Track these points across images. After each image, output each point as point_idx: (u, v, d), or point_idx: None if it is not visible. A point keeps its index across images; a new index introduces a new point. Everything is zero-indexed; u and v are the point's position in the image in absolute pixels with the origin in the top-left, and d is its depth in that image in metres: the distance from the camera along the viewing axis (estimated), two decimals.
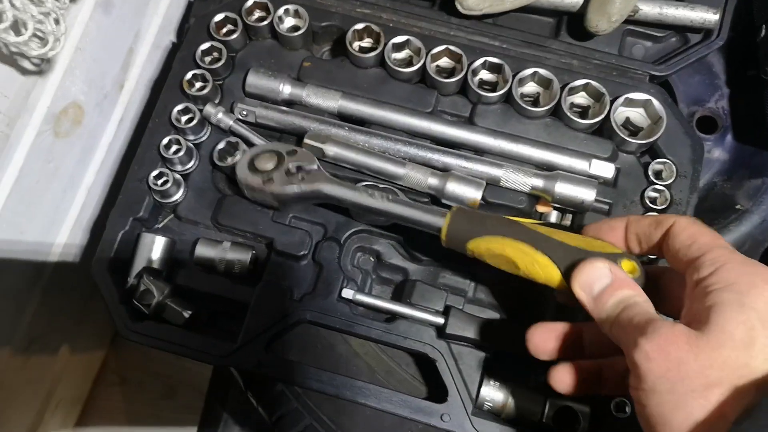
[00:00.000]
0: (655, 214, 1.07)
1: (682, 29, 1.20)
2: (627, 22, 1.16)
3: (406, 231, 1.06)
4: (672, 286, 0.85)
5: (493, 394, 1.01)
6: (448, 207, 1.04)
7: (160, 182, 1.07)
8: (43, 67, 1.07)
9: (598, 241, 0.88)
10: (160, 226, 1.12)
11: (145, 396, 1.98)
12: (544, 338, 0.89)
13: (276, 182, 1.03)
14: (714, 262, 0.72)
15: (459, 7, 1.13)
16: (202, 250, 1.07)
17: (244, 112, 1.12)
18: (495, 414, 1.02)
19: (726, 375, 0.66)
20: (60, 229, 1.29)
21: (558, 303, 0.99)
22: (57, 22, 0.95)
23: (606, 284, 0.80)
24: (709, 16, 1.15)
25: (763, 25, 1.20)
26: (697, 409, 0.66)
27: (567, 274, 0.85)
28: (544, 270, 0.88)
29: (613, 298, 0.79)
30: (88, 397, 1.87)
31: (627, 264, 0.85)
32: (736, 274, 0.71)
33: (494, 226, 0.91)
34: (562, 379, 0.87)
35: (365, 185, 1.07)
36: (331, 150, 1.07)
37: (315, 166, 1.03)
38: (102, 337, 1.86)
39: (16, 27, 0.91)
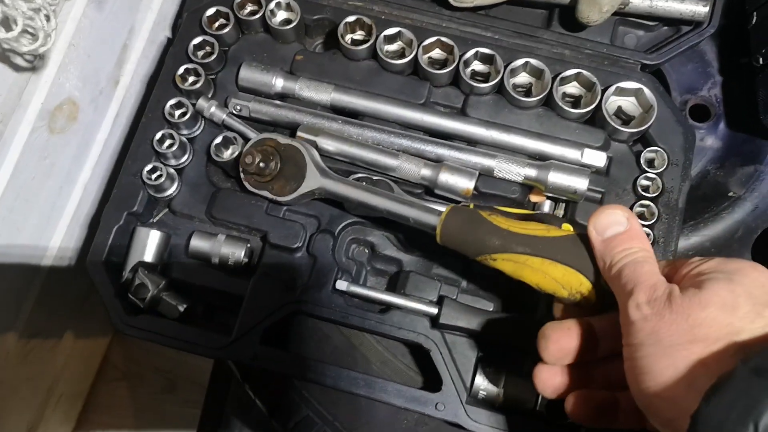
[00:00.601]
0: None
1: (672, 21, 1.20)
2: (618, 13, 1.17)
3: (399, 223, 1.07)
4: None
5: (487, 382, 1.02)
6: (442, 198, 1.05)
7: (153, 177, 1.07)
8: (36, 63, 1.07)
9: None
10: (155, 220, 1.12)
11: (146, 390, 1.99)
12: (551, 374, 0.89)
13: (280, 189, 1.05)
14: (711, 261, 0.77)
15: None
16: (197, 244, 1.08)
17: (238, 107, 1.12)
18: (489, 402, 1.03)
19: (711, 332, 0.69)
20: (57, 226, 1.30)
21: None
22: (48, 18, 0.96)
23: (619, 231, 0.82)
24: (698, 9, 1.15)
25: (754, 13, 1.20)
26: (680, 360, 0.69)
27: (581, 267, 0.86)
28: (552, 276, 0.88)
29: (622, 245, 0.81)
30: (89, 392, 1.88)
31: None
32: (728, 264, 0.75)
33: (487, 241, 0.90)
34: (576, 406, 0.87)
35: (358, 177, 1.08)
36: (324, 143, 1.08)
37: (310, 162, 1.04)
38: (103, 332, 1.87)
39: (7, 23, 0.91)
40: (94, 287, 1.21)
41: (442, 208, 0.96)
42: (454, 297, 1.06)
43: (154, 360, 1.98)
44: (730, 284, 0.72)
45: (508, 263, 0.90)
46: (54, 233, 1.29)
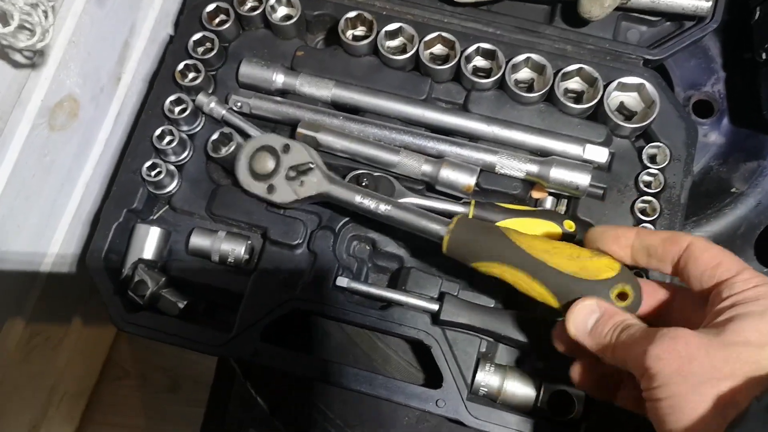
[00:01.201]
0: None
1: (675, 16, 1.19)
2: (620, 9, 1.16)
3: None
4: (683, 306, 0.86)
5: (488, 379, 1.01)
6: (444, 194, 1.05)
7: (153, 173, 1.07)
8: (35, 60, 1.07)
9: (595, 261, 0.88)
10: (155, 217, 1.12)
11: (149, 390, 1.99)
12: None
13: (278, 191, 1.05)
14: (747, 282, 0.74)
15: None
16: (197, 241, 1.08)
17: (239, 104, 1.12)
18: (490, 399, 1.02)
19: (738, 368, 0.68)
20: (59, 223, 1.30)
21: None
22: (46, 14, 0.96)
23: (597, 317, 0.83)
24: (701, 3, 1.14)
25: (758, 7, 1.20)
26: (709, 395, 0.68)
27: (560, 297, 0.89)
28: (541, 296, 0.91)
29: (607, 326, 0.81)
30: (92, 391, 1.88)
31: (620, 289, 0.86)
32: (760, 302, 0.72)
33: (493, 250, 0.93)
34: (581, 371, 0.90)
35: (359, 173, 1.08)
36: (324, 139, 1.08)
37: (309, 161, 1.04)
38: (106, 330, 1.87)
39: (4, 18, 0.91)
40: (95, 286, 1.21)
41: (449, 206, 0.96)
42: (455, 294, 1.06)
43: (157, 359, 1.99)
44: (761, 322, 0.70)
45: (507, 273, 0.93)
46: (56, 231, 1.30)
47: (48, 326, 1.43)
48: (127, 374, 1.98)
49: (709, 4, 1.15)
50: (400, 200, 1.04)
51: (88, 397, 1.87)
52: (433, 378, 1.04)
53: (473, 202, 1.04)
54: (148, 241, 1.07)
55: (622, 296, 0.86)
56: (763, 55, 1.17)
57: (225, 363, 1.48)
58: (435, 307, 1.02)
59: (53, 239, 1.30)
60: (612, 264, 0.87)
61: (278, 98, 1.13)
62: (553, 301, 0.90)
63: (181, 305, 1.05)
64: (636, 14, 1.21)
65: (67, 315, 1.52)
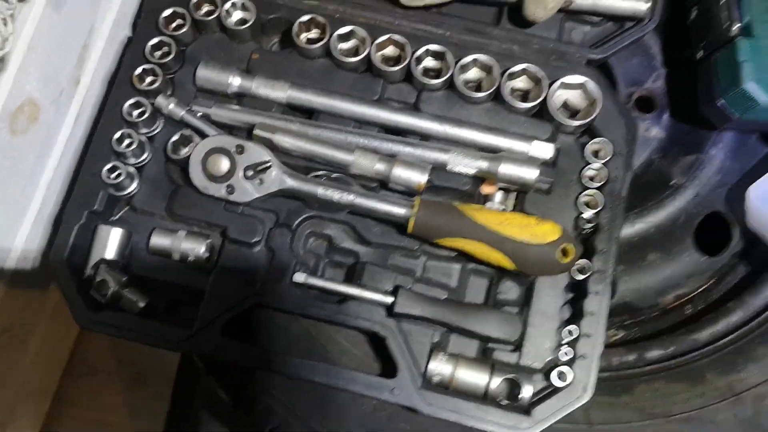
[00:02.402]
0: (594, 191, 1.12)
1: (616, 17, 1.24)
2: (564, 10, 1.21)
3: (357, 216, 1.11)
4: None
5: (441, 367, 1.06)
6: (397, 192, 1.10)
7: (113, 176, 1.10)
8: None
9: (541, 226, 1.04)
10: (116, 218, 1.14)
11: (114, 385, 2.00)
12: None
13: (238, 191, 1.09)
14: None
15: None
16: (158, 240, 1.11)
17: (199, 114, 1.15)
18: (443, 387, 1.07)
19: None
20: (21, 225, 1.30)
21: (497, 279, 1.11)
22: (5, 22, 0.98)
23: None
24: (639, 6, 1.20)
25: (693, 9, 1.25)
26: None
27: (516, 260, 1.04)
28: (499, 262, 1.05)
29: None
30: (58, 388, 1.89)
31: (563, 247, 1.03)
32: None
33: (455, 227, 1.05)
34: None
35: (317, 175, 1.12)
36: (280, 140, 1.11)
37: (267, 160, 1.08)
38: (70, 327, 1.88)
39: None
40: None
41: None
42: (409, 287, 1.10)
43: (122, 354, 2.00)
44: None
45: (468, 245, 1.06)
46: (18, 233, 1.30)
47: (13, 325, 1.44)
48: (93, 370, 1.99)
49: (647, 6, 1.19)
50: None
51: (54, 394, 1.88)
52: (388, 368, 1.08)
53: (417, 200, 1.09)
54: (110, 242, 1.10)
55: (564, 253, 1.03)
56: (699, 53, 1.22)
57: (188, 358, 1.50)
58: (389, 300, 1.07)
59: (16, 239, 1.31)
60: (554, 227, 1.05)
61: (236, 106, 1.16)
62: (510, 265, 1.06)
63: (141, 304, 1.08)
64: (579, 15, 1.25)
65: (32, 313, 1.52)
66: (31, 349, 1.58)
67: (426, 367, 1.06)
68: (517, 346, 1.08)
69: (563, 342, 1.08)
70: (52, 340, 1.71)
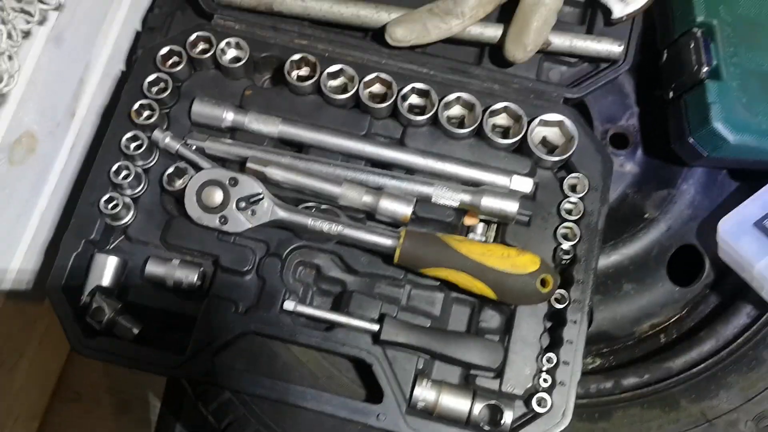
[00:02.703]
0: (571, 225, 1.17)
1: (591, 59, 1.29)
2: (542, 51, 1.26)
3: (345, 246, 1.15)
4: None
5: (425, 393, 1.09)
6: (383, 223, 1.14)
7: (110, 206, 1.13)
8: None
9: (521, 257, 1.08)
10: (112, 247, 1.18)
11: (100, 411, 2.00)
12: None
13: (231, 222, 1.12)
14: None
15: (388, 39, 1.22)
16: (153, 269, 1.14)
17: (194, 147, 1.18)
18: (428, 412, 1.10)
19: None
20: (14, 253, 1.33)
21: (479, 308, 1.16)
22: (10, 58, 1.02)
23: None
24: (614, 48, 1.25)
25: (665, 51, 1.31)
26: None
27: (497, 290, 1.09)
28: (481, 291, 1.09)
29: None
30: (44, 412, 1.89)
31: (543, 277, 1.07)
32: None
33: (439, 257, 1.10)
34: None
35: (307, 206, 1.16)
36: (272, 173, 1.15)
37: (260, 192, 1.12)
38: (58, 354, 1.89)
39: None
40: (50, 310, 1.25)
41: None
42: (394, 315, 1.14)
43: (108, 381, 2.00)
44: None
45: (452, 275, 1.09)
46: (12, 260, 1.33)
47: (2, 350, 1.46)
48: (79, 396, 1.99)
49: (621, 48, 1.25)
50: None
51: (40, 419, 1.89)
52: (374, 394, 1.11)
53: (403, 231, 1.13)
54: (106, 270, 1.13)
55: (543, 283, 1.07)
56: (670, 94, 1.28)
57: (173, 383, 1.52)
58: (375, 327, 1.10)
59: (9, 266, 1.33)
60: (534, 258, 1.09)
61: (230, 140, 1.20)
62: (491, 294, 1.09)
63: (135, 330, 1.10)
64: (556, 56, 1.30)
65: (22, 339, 1.54)
66: (20, 374, 1.59)
67: (411, 393, 1.09)
68: (499, 372, 1.12)
69: (543, 369, 1.11)
70: (41, 365, 1.73)
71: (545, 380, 1.10)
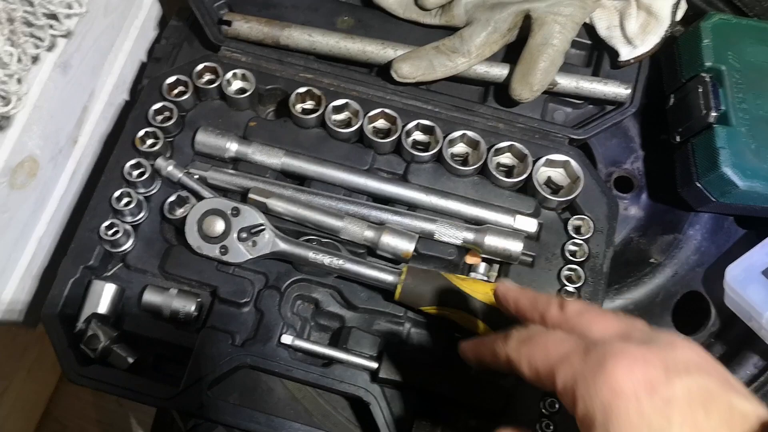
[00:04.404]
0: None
1: (597, 101, 1.30)
2: (548, 92, 1.26)
3: (344, 280, 1.14)
4: None
5: None
6: (384, 259, 1.13)
7: (110, 233, 1.12)
8: (2, 123, 1.12)
9: None
10: (110, 274, 1.16)
11: None
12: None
13: (231, 252, 1.11)
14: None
15: (394, 75, 1.23)
16: (150, 297, 1.12)
17: (196, 176, 1.18)
18: None
19: None
20: (10, 278, 1.32)
21: None
22: (19, 81, 1.02)
23: None
24: (620, 91, 1.26)
25: (672, 95, 1.31)
26: None
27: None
28: (482, 330, 1.06)
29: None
30: None
31: None
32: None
33: (442, 295, 1.08)
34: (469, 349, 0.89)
35: (308, 239, 1.15)
36: (274, 204, 1.14)
37: (261, 223, 1.11)
38: (46, 383, 1.87)
39: None
40: (40, 340, 1.23)
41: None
42: (394, 353, 1.11)
43: (95, 413, 1.98)
44: None
45: (454, 314, 1.08)
46: (6, 286, 1.32)
47: None
48: (64, 428, 1.97)
49: (628, 91, 1.26)
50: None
51: None
52: None
53: (405, 268, 1.12)
54: (103, 297, 1.11)
55: None
56: (677, 138, 1.27)
57: (161, 417, 1.50)
58: (374, 365, 1.08)
59: (4, 292, 1.32)
60: None
61: (232, 171, 1.19)
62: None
63: (130, 360, 1.08)
64: (562, 97, 1.30)
65: (10, 368, 1.53)
66: (7, 403, 1.57)
67: None
68: (500, 415, 1.09)
69: (545, 413, 1.09)
70: (28, 395, 1.70)
71: (547, 426, 1.08)
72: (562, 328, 0.75)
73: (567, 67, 1.27)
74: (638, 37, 1.26)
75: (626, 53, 1.27)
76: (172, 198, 1.15)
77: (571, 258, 1.17)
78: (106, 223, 1.13)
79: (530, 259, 1.18)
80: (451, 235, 1.15)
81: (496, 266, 1.20)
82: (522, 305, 0.85)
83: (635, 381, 0.62)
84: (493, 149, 1.20)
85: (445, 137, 1.20)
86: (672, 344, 0.67)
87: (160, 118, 1.20)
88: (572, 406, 0.66)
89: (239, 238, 1.11)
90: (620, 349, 0.65)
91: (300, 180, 1.21)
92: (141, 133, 1.18)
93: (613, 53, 1.30)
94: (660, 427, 0.59)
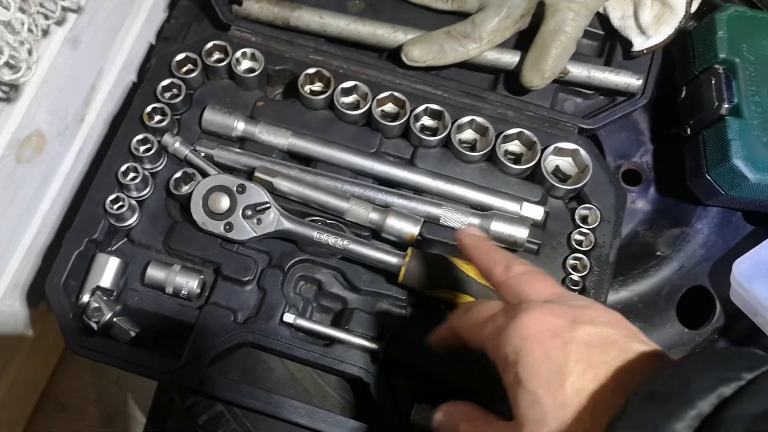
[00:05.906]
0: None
1: (608, 91, 1.29)
2: (558, 81, 1.26)
3: (347, 262, 1.13)
4: None
5: (422, 417, 1.06)
6: (388, 242, 1.12)
7: (116, 207, 1.12)
8: (11, 95, 1.13)
9: None
10: (114, 248, 1.16)
11: (84, 424, 1.97)
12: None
13: (236, 229, 1.11)
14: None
15: (404, 59, 1.22)
16: (153, 273, 1.12)
17: (203, 154, 1.18)
18: None
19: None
20: (13, 255, 1.32)
21: None
22: (30, 51, 1.02)
23: None
24: (632, 81, 1.25)
25: (684, 87, 1.30)
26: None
27: None
28: None
29: None
30: (27, 423, 1.86)
31: None
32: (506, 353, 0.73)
33: (446, 278, 1.07)
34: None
35: (313, 220, 1.15)
36: (279, 184, 1.14)
37: (266, 201, 1.10)
38: (47, 362, 1.87)
39: None
40: (43, 316, 1.22)
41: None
42: (396, 334, 1.10)
43: (94, 393, 1.98)
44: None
45: (458, 298, 1.07)
46: (9, 262, 1.32)
47: None
48: (63, 407, 1.96)
49: (640, 82, 1.25)
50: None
51: (23, 428, 1.85)
52: (370, 415, 1.08)
53: (410, 250, 1.11)
54: (107, 271, 1.11)
55: None
56: (688, 131, 1.27)
57: (159, 397, 1.50)
58: (375, 346, 1.08)
59: (6, 270, 1.32)
60: None
61: (238, 149, 1.19)
62: None
63: (132, 333, 1.08)
64: (572, 87, 1.30)
65: (12, 346, 1.52)
66: (6, 382, 1.57)
67: (408, 414, 1.06)
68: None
69: None
70: (29, 373, 1.70)
71: None
72: (503, 287, 0.83)
73: (578, 57, 1.26)
74: (652, 28, 1.25)
75: (639, 43, 1.27)
76: (177, 174, 1.14)
77: (577, 247, 1.16)
78: (112, 197, 1.12)
79: (536, 247, 1.17)
80: (457, 220, 1.15)
81: None
82: (475, 256, 0.91)
83: (541, 328, 0.70)
84: (501, 136, 1.19)
85: (453, 123, 1.19)
86: (588, 306, 0.74)
87: (168, 94, 1.20)
88: (494, 357, 0.75)
89: (244, 216, 1.10)
90: (535, 305, 0.73)
91: (306, 161, 1.21)
92: (149, 108, 1.17)
93: (626, 45, 1.29)
94: (558, 362, 0.66)
